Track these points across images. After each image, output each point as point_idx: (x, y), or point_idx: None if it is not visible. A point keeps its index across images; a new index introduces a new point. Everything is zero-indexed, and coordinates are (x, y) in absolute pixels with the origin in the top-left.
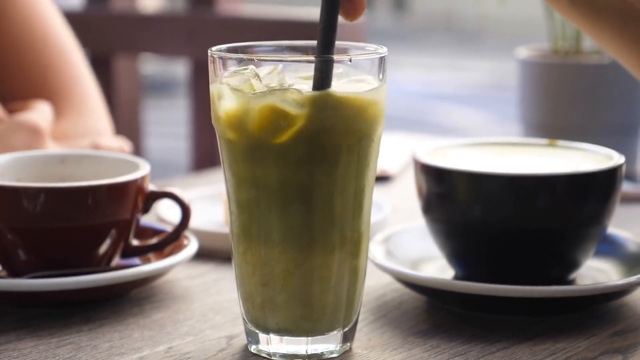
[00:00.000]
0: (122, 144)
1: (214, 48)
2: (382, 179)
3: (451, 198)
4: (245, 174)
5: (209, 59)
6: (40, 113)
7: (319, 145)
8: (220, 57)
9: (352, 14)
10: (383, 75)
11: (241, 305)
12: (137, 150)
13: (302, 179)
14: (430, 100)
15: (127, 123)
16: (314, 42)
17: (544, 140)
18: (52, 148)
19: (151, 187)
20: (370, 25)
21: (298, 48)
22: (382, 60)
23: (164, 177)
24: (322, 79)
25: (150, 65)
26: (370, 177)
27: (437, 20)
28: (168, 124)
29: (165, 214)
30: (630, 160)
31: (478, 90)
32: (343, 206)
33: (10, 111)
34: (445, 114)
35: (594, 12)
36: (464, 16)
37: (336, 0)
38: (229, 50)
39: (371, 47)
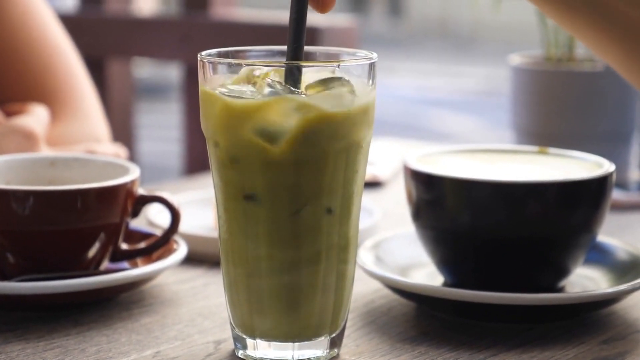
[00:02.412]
0: (118, 151)
1: (204, 52)
2: (374, 184)
3: (440, 204)
4: (232, 178)
5: (199, 63)
6: (36, 117)
7: (307, 151)
8: (210, 62)
9: (321, 6)
10: (373, 81)
11: (229, 310)
12: (130, 154)
13: (290, 185)
14: (425, 106)
15: (120, 126)
16: (306, 48)
17: (534, 148)
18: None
19: (141, 191)
20: (366, 30)
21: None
22: (372, 66)
23: (156, 181)
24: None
25: (145, 69)
26: (358, 183)
27: (433, 26)
28: (162, 127)
29: (155, 218)
30: (622, 168)
31: (472, 97)
32: (330, 212)
33: (7, 113)
34: (439, 119)
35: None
36: (459, 22)
37: None
38: (219, 54)
39: (361, 53)
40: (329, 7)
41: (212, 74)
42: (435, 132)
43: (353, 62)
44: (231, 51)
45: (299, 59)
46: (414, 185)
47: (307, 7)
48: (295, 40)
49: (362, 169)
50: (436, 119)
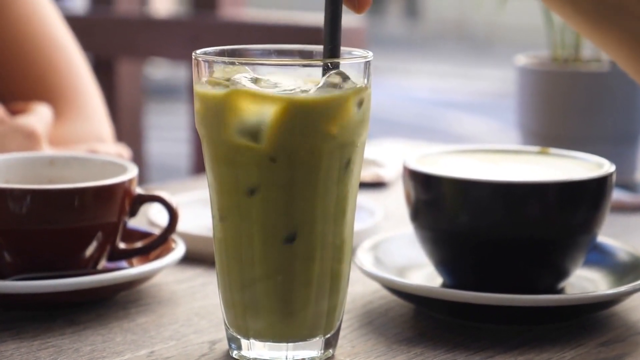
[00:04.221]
0: (120, 151)
1: (198, 51)
2: (378, 185)
3: (439, 205)
4: (226, 177)
5: (193, 62)
6: (39, 117)
7: (299, 149)
8: (205, 60)
9: (358, 6)
10: (368, 80)
11: (223, 310)
12: (139, 155)
13: (283, 184)
14: (440, 108)
15: (129, 127)
16: (303, 46)
17: (536, 148)
18: None
19: (139, 190)
20: (382, 31)
21: (286, 52)
22: (367, 65)
23: (164, 181)
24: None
25: (160, 70)
26: (353, 183)
27: (449, 27)
28: (175, 128)
29: (155, 217)
30: (629, 169)
31: (488, 98)
32: (324, 212)
33: (12, 112)
34: (455, 121)
35: (598, 17)
36: (476, 24)
37: None
38: (214, 53)
39: (357, 51)
40: (366, 7)
41: (207, 72)
42: (450, 134)
43: (348, 61)
44: (227, 50)
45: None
46: (413, 186)
47: (341, 7)
48: (331, 41)
49: (357, 169)
50: (451, 121)
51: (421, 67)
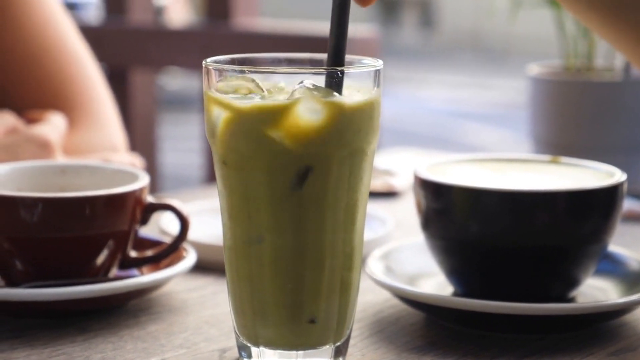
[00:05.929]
0: (133, 160)
1: (208, 59)
2: (390, 194)
3: (449, 214)
4: (236, 185)
5: (203, 70)
6: (53, 127)
7: (309, 158)
8: (216, 69)
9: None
10: (377, 88)
11: (233, 318)
12: (153, 165)
13: (293, 192)
14: (456, 118)
15: (142, 137)
16: (313, 55)
17: (546, 157)
18: None
19: (150, 198)
20: (397, 42)
21: (295, 60)
22: (376, 73)
23: (178, 190)
24: (331, 82)
25: (175, 81)
26: (363, 191)
27: (465, 38)
28: (190, 138)
29: (166, 225)
30: None
31: (503, 109)
32: (334, 220)
33: (26, 121)
34: (471, 132)
35: (612, 13)
36: (491, 34)
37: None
38: (224, 61)
39: (367, 60)
40: (371, 1)
41: (217, 80)
42: (464, 144)
43: (357, 69)
44: (237, 58)
45: (341, 65)
46: (423, 195)
47: (349, 12)
48: (337, 48)
49: (367, 177)
50: (467, 132)
51: (436, 77)
